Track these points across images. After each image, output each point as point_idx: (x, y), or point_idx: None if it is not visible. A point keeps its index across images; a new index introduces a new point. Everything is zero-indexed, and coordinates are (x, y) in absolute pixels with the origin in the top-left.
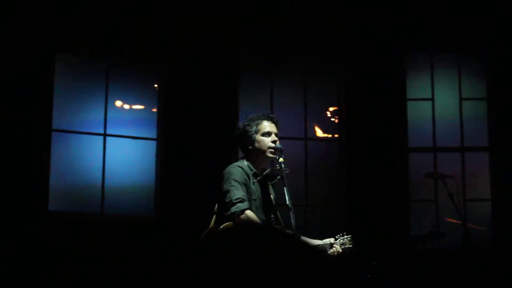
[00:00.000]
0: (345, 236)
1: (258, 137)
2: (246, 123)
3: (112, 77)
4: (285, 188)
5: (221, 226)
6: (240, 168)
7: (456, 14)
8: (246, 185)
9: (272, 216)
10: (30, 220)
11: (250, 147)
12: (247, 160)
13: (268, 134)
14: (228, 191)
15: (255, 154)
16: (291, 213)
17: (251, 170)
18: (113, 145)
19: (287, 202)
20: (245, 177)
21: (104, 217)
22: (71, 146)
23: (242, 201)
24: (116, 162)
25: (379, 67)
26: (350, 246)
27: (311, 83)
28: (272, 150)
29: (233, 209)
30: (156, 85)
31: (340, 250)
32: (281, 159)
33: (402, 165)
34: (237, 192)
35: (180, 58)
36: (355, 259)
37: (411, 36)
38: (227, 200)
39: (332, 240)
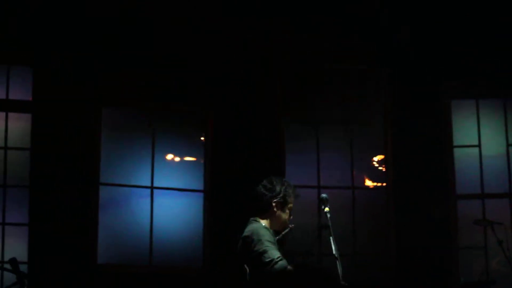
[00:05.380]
0: None
1: (287, 208)
2: (286, 188)
3: (158, 129)
4: (331, 237)
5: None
6: (266, 229)
7: (500, 59)
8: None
9: None
10: (79, 273)
11: (276, 209)
12: (263, 219)
13: (291, 210)
14: (265, 251)
15: (276, 219)
16: (337, 262)
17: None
18: (161, 197)
19: (334, 252)
20: (273, 238)
21: (152, 268)
22: (119, 198)
23: (281, 259)
24: (164, 214)
25: (425, 115)
26: None
27: (356, 132)
28: (292, 226)
29: (277, 267)
30: (202, 138)
31: None
32: (326, 209)
33: (450, 212)
34: (275, 252)
35: (225, 109)
36: None
37: (456, 83)
38: (267, 260)
39: None
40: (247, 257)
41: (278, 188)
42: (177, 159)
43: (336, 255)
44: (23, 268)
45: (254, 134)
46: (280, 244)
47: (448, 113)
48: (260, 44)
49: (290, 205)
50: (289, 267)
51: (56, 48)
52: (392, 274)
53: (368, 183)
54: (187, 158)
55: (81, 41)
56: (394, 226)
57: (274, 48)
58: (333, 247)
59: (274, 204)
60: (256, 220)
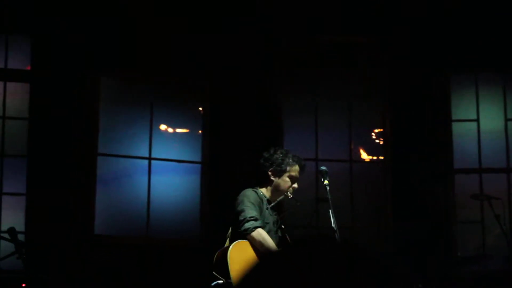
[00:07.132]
0: None
1: (286, 176)
2: (283, 156)
3: (156, 101)
4: (330, 210)
5: (231, 245)
6: (254, 192)
7: (500, 33)
8: (260, 208)
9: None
10: (76, 243)
11: (273, 178)
12: (261, 188)
13: (294, 179)
14: (242, 210)
15: (275, 187)
16: (336, 235)
17: (265, 197)
18: (159, 169)
19: (333, 225)
20: (259, 200)
21: (149, 240)
22: (117, 169)
23: (255, 219)
24: (161, 185)
25: (423, 88)
26: None
27: (356, 105)
28: (288, 194)
29: (247, 225)
30: (200, 108)
31: None
32: (326, 182)
33: (448, 187)
34: (251, 211)
35: (223, 80)
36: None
37: (455, 57)
38: (241, 219)
39: None
40: (232, 216)
41: (275, 157)
42: (176, 130)
43: (334, 228)
44: (20, 237)
45: (252, 104)
46: (278, 214)
47: (447, 87)
48: (260, 15)
49: (292, 173)
50: (260, 229)
51: (55, 16)
52: (390, 247)
53: (366, 156)
54: (186, 130)
55: (80, 9)
56: (390, 199)
57: (274, 19)
58: (332, 220)
59: (270, 173)
60: (257, 187)
